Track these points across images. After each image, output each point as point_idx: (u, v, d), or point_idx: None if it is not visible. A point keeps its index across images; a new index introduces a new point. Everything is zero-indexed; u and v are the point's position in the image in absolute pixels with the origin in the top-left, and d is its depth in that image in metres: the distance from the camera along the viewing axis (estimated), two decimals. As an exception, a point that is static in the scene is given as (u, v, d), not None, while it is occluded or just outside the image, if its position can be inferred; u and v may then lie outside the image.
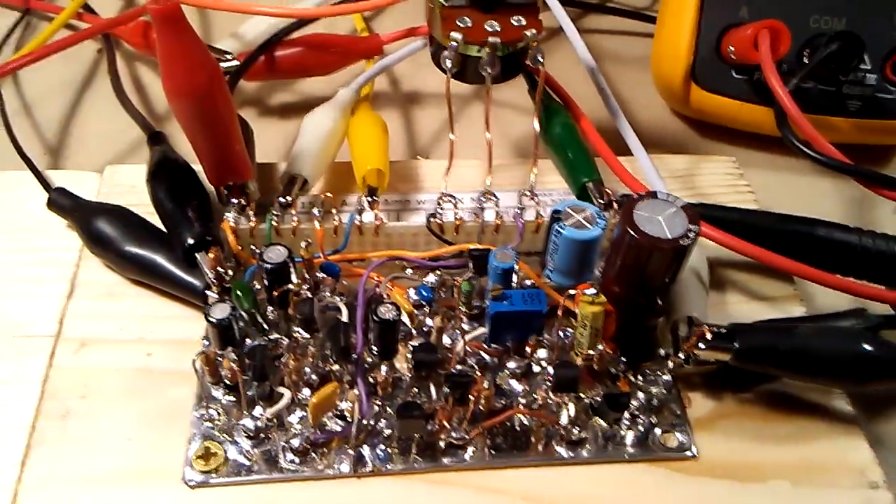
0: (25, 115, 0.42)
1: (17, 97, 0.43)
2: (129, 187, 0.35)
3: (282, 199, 0.32)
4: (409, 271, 0.32)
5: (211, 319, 0.28)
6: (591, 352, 0.28)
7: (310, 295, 0.29)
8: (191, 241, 0.30)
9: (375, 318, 0.28)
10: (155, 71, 0.46)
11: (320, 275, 0.30)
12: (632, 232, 0.27)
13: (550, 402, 0.29)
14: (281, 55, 0.41)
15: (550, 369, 0.29)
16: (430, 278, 0.32)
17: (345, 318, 0.28)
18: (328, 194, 0.33)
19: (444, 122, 0.43)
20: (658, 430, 0.29)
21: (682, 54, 0.41)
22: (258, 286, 0.30)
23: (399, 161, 0.38)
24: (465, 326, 0.30)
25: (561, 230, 0.29)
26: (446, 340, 0.30)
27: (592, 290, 0.27)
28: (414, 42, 0.40)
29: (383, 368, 0.29)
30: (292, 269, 0.29)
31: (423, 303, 0.31)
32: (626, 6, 0.52)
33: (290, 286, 0.29)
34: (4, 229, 0.34)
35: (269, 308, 0.30)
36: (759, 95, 0.40)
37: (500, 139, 0.42)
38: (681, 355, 0.29)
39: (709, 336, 0.28)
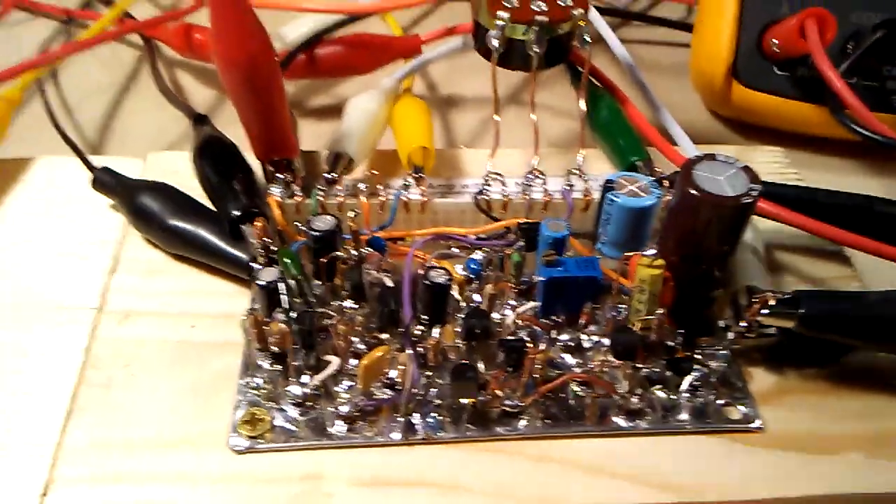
0: (66, 115, 0.43)
1: (57, 96, 0.44)
2: (172, 172, 0.35)
3: (327, 175, 0.32)
4: (455, 250, 0.31)
5: (260, 282, 0.27)
6: (649, 317, 0.27)
7: (357, 262, 0.28)
8: (236, 212, 0.30)
9: (426, 281, 0.27)
10: (194, 74, 0.46)
11: (366, 250, 0.29)
12: (692, 190, 0.26)
13: (606, 370, 0.28)
14: (320, 53, 0.41)
15: (606, 340, 0.28)
16: (478, 256, 0.31)
17: (391, 284, 0.28)
18: (374, 171, 0.32)
19: (484, 122, 0.43)
20: (720, 402, 0.28)
21: (723, 51, 0.40)
22: (304, 263, 0.29)
23: (442, 149, 0.37)
24: (514, 303, 0.30)
25: (615, 199, 0.29)
26: (495, 316, 0.29)
27: (651, 251, 0.27)
28: (453, 40, 0.40)
29: (434, 334, 0.27)
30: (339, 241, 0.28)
31: (472, 277, 0.30)
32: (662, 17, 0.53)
33: (339, 253, 0.28)
34: (47, 210, 0.34)
35: (316, 282, 0.29)
36: (803, 91, 0.40)
37: (541, 136, 0.42)
38: (742, 324, 0.28)
39: (772, 301, 0.27)
